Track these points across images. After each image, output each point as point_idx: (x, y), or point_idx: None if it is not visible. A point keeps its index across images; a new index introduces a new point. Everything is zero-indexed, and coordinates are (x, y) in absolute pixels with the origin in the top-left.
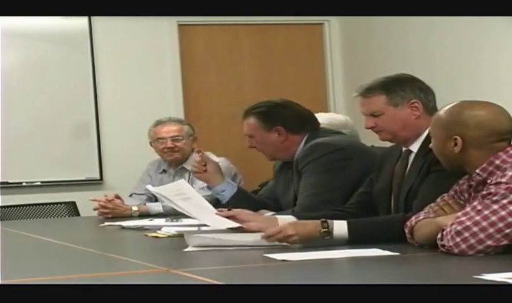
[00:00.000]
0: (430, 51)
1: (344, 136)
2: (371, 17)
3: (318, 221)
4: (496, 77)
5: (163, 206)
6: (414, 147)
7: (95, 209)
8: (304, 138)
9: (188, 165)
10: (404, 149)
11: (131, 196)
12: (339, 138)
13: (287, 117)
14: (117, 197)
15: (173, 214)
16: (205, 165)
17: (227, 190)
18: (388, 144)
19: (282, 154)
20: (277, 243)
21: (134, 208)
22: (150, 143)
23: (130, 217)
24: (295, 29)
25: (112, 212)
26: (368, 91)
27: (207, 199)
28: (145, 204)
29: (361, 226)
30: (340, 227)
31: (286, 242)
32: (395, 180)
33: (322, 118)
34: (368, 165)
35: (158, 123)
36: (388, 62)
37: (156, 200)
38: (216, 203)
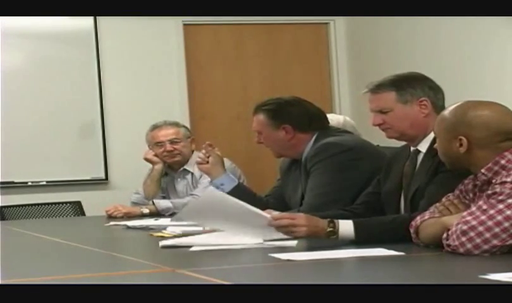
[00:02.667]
0: (435, 51)
1: (354, 136)
2: (377, 17)
3: (325, 221)
4: (502, 77)
5: (172, 202)
6: (423, 147)
7: (108, 212)
8: (314, 137)
9: (189, 167)
10: (412, 149)
11: (137, 193)
12: (348, 138)
13: (295, 115)
14: None
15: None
16: (209, 157)
17: (226, 184)
18: (393, 143)
19: (288, 152)
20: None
21: (144, 208)
22: (149, 147)
23: (139, 216)
24: (301, 29)
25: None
26: (378, 88)
27: None
28: (153, 203)
29: (367, 226)
30: (346, 227)
31: (291, 233)
32: (404, 180)
33: None
34: (378, 165)
35: (155, 127)
36: (393, 61)
37: (165, 198)
38: None
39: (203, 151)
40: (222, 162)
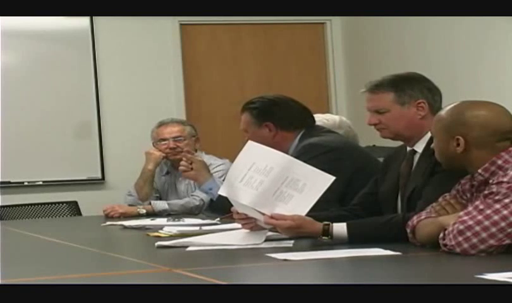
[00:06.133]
0: (432, 51)
1: (337, 135)
2: (373, 17)
3: (321, 227)
4: (498, 78)
5: (168, 204)
6: (419, 147)
7: (105, 212)
8: (299, 136)
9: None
10: (409, 149)
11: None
12: (331, 138)
13: (277, 113)
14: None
15: (175, 213)
16: (191, 164)
17: (214, 188)
18: (390, 143)
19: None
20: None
21: (141, 208)
22: (153, 144)
23: (136, 216)
24: (297, 28)
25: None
26: (377, 88)
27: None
28: (149, 204)
29: (360, 227)
30: (339, 229)
31: (282, 232)
32: (401, 180)
33: (316, 118)
34: (360, 165)
35: (161, 124)
36: (390, 61)
37: (159, 198)
38: (209, 202)
39: (184, 159)
40: (207, 167)
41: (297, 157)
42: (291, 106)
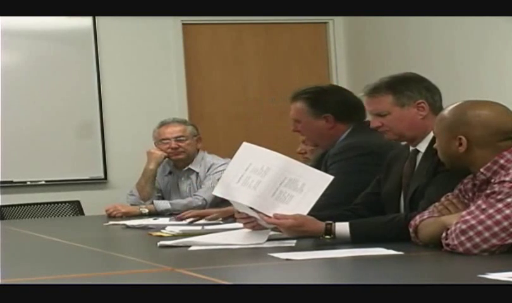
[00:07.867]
0: (434, 50)
1: (381, 138)
2: (375, 17)
3: (323, 226)
4: (499, 77)
5: (171, 204)
6: (422, 147)
7: (107, 212)
8: (348, 130)
9: (194, 166)
10: (411, 149)
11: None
12: (375, 140)
13: (336, 104)
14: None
15: (178, 213)
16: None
17: None
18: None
19: (326, 141)
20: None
21: (143, 207)
22: (155, 144)
23: (138, 216)
24: (299, 28)
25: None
26: (375, 91)
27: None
28: (152, 203)
29: (363, 226)
30: (342, 228)
31: (284, 232)
32: (404, 180)
33: None
34: None
35: (162, 124)
36: (392, 61)
37: (161, 198)
38: (220, 201)
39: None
40: None
41: (334, 155)
42: (347, 96)
